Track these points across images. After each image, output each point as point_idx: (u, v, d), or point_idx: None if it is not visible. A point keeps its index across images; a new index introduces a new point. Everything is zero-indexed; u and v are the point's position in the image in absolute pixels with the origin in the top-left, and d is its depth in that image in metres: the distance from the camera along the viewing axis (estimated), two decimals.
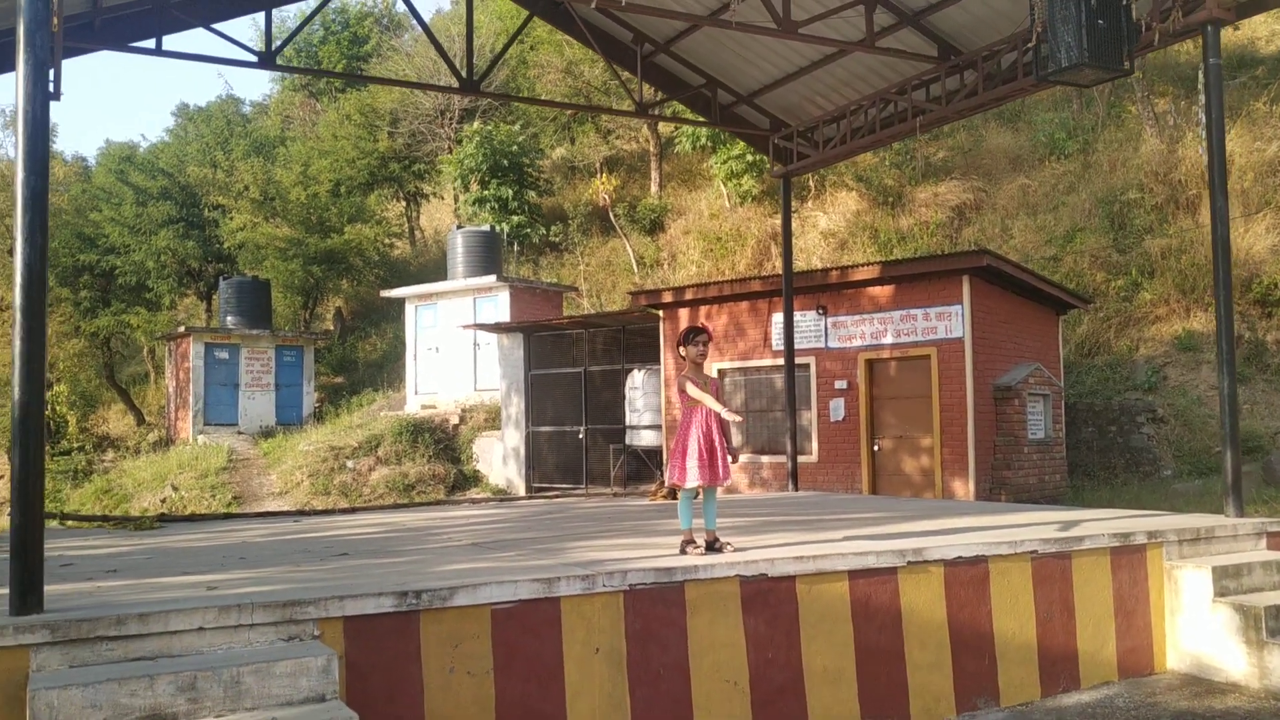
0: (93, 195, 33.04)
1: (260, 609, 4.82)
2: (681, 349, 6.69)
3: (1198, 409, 18.20)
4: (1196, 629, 7.40)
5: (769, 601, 6.12)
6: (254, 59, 11.05)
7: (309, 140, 37.08)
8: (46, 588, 4.83)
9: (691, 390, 6.51)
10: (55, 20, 7.98)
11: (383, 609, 5.07)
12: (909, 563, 6.57)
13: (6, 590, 4.70)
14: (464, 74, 11.92)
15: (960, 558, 6.78)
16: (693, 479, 6.41)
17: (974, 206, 24.97)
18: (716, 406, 6.41)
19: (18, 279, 4.72)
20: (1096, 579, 7.34)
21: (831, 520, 8.90)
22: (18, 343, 4.73)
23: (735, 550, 6.47)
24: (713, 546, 6.49)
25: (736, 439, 17.80)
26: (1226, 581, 7.38)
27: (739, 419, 6.47)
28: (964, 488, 15.21)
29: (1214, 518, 8.46)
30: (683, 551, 6.45)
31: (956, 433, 15.31)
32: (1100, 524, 7.99)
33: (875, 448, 16.23)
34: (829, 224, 26.23)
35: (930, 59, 11.12)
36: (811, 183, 26.88)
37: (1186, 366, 19.19)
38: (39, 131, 4.84)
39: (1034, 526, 7.88)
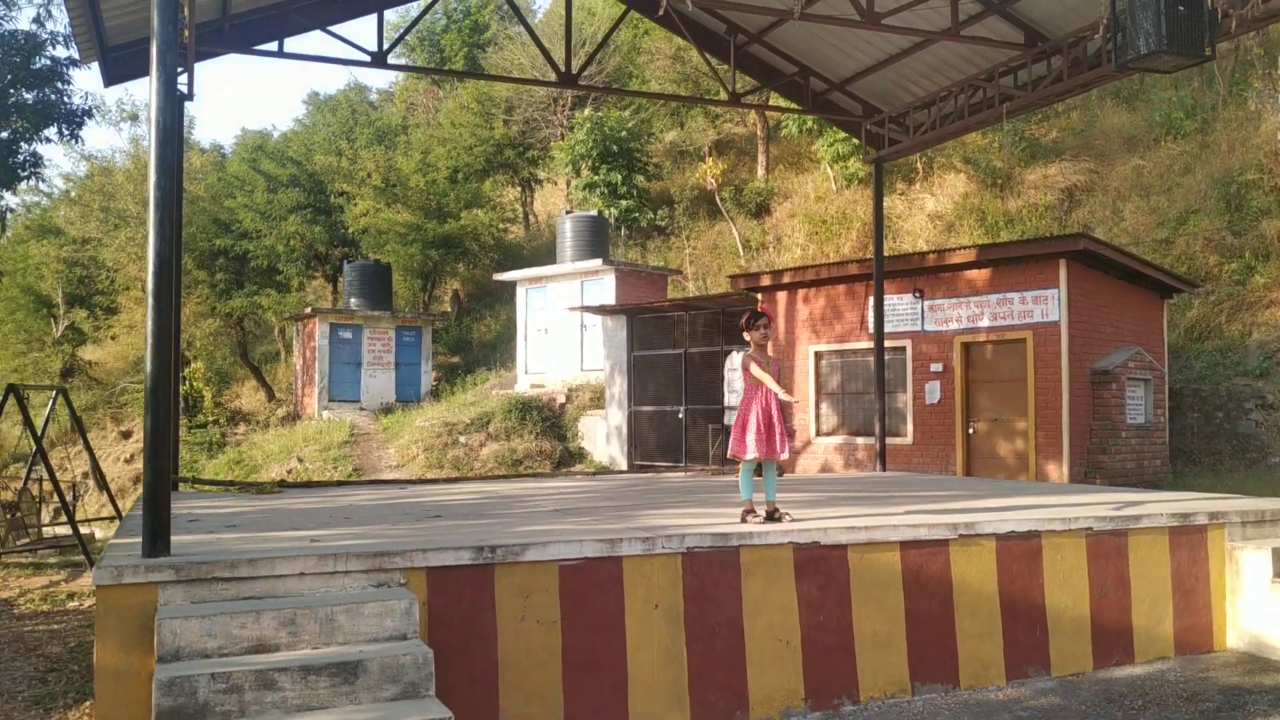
0: (228, 183, 34.88)
1: (353, 558, 5.48)
2: (745, 333, 7.12)
3: None
4: (1256, 609, 7.53)
5: (821, 568, 6.53)
6: (368, 59, 11.82)
7: (430, 128, 38.38)
8: (175, 538, 5.59)
9: (754, 370, 6.94)
10: (186, 32, 8.80)
11: (461, 561, 5.68)
12: (960, 535, 6.90)
13: (140, 538, 5.47)
14: (563, 68, 12.49)
15: (1013, 532, 7.07)
16: (751, 452, 6.85)
17: (1085, 188, 24.52)
18: (775, 387, 6.83)
19: (150, 266, 5.46)
20: (1154, 557, 7.52)
21: (903, 497, 9.22)
22: (149, 322, 5.47)
23: (793, 521, 6.90)
24: (772, 516, 6.93)
25: (831, 422, 18.11)
26: None
27: (795, 400, 6.89)
28: (1058, 471, 15.22)
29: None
30: (743, 520, 6.91)
31: (1051, 416, 15.31)
32: (1162, 505, 8.14)
33: (970, 430, 16.32)
34: (936, 206, 26.10)
35: (1017, 46, 11.23)
36: (920, 164, 26.76)
37: None
38: (169, 138, 5.57)
39: (1097, 505, 8.07)
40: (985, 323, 16.11)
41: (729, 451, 7.04)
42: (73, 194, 32.03)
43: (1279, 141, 21.34)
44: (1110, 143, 25.38)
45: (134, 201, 29.71)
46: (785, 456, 6.92)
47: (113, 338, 35.14)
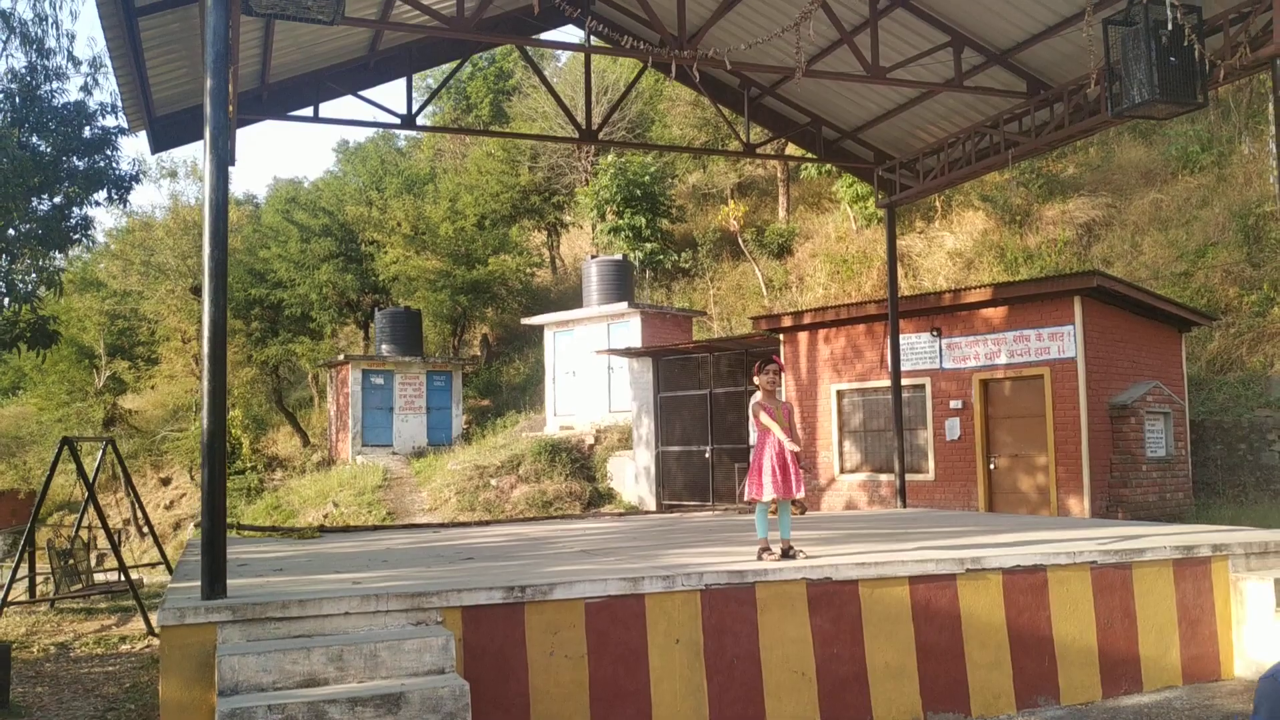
0: (262, 234, 35.79)
1: (394, 598, 5.90)
2: (755, 378, 7.53)
3: None
4: (1260, 638, 7.79)
5: (833, 602, 6.89)
6: (398, 121, 12.43)
7: (457, 174, 39.22)
8: (228, 581, 6.04)
9: (763, 419, 7.35)
10: (231, 109, 9.38)
11: (493, 600, 6.09)
12: (968, 570, 7.23)
13: (198, 582, 5.92)
14: (583, 124, 13.04)
15: (1018, 566, 7.39)
16: (768, 494, 7.24)
17: (1104, 223, 24.82)
18: (782, 437, 7.23)
19: (205, 332, 5.96)
20: (1159, 589, 7.81)
21: (917, 533, 9.55)
22: (205, 382, 5.96)
23: (808, 558, 7.26)
24: (787, 554, 7.30)
25: (854, 459, 18.41)
26: None
27: (798, 449, 7.26)
28: (1079, 505, 15.45)
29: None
30: (759, 558, 7.28)
31: (1071, 451, 15.56)
32: (1166, 538, 8.43)
33: (991, 466, 16.58)
34: (956, 244, 26.45)
35: (1019, 94, 11.66)
36: (939, 203, 27.16)
37: None
38: (220, 214, 6.08)
39: (1103, 540, 8.38)
40: (1003, 360, 16.42)
41: (746, 495, 7.43)
42: (113, 248, 32.99)
43: None
44: (1128, 177, 25.69)
45: (173, 255, 30.61)
46: (801, 495, 7.30)
47: (152, 387, 35.98)
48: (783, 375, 7.54)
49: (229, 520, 21.40)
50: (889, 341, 17.55)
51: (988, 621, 7.27)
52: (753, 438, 20.76)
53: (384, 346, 30.87)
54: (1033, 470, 16.12)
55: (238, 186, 78.07)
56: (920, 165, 13.90)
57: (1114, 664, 7.60)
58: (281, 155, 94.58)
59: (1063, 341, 15.71)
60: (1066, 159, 27.14)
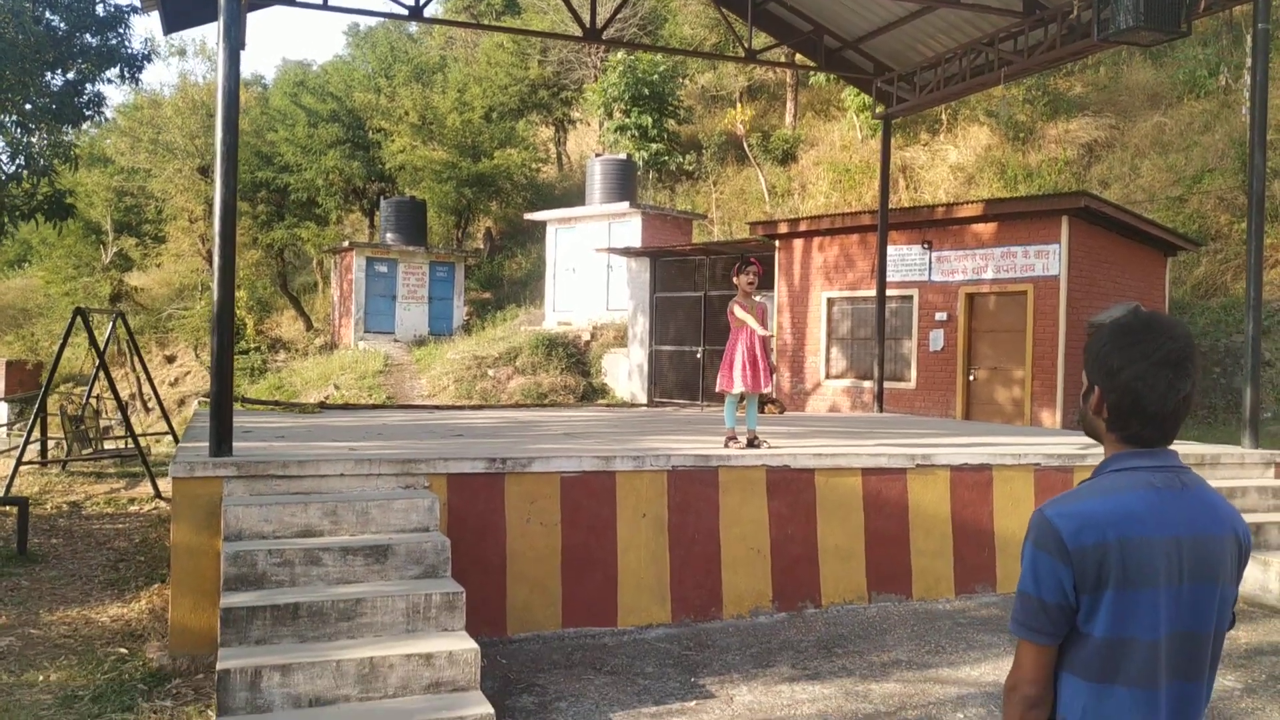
0: (270, 117, 35.81)
1: (385, 463, 6.48)
2: (735, 277, 8.00)
3: None
4: None
5: (790, 488, 7.48)
6: (405, 12, 12.63)
7: (467, 64, 39.03)
8: (234, 443, 6.61)
9: (738, 312, 7.83)
10: None
11: (476, 470, 6.67)
12: (918, 465, 7.81)
13: (206, 443, 6.49)
14: (588, 24, 13.24)
15: (966, 464, 7.97)
16: (737, 386, 7.78)
17: (1105, 144, 24.95)
18: (755, 324, 7.71)
19: (217, 211, 6.42)
20: None
21: (883, 433, 10.12)
22: (216, 258, 6.44)
23: (770, 447, 7.83)
24: (752, 443, 7.86)
25: (840, 365, 18.97)
26: None
27: (771, 334, 7.74)
28: (1051, 418, 16.04)
29: (1225, 448, 9.32)
30: (725, 445, 7.84)
31: (1047, 366, 16.09)
32: None
33: (971, 377, 17.14)
34: (959, 158, 26.61)
35: (1014, 13, 11.86)
36: (944, 116, 27.22)
37: None
38: (232, 101, 6.48)
39: (1049, 445, 8.95)
40: (989, 275, 16.84)
41: (717, 387, 7.96)
42: (121, 124, 33.08)
43: None
44: (1134, 98, 25.72)
45: (181, 134, 30.73)
46: (768, 390, 7.83)
47: (158, 266, 36.45)
48: (759, 276, 7.99)
49: (234, 394, 22.10)
50: (878, 251, 17.97)
51: (934, 514, 7.87)
52: None
53: (389, 235, 31.24)
54: (1010, 383, 16.67)
55: (245, 68, 77.31)
56: (918, 79, 14.13)
57: None
58: (291, 37, 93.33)
59: (1048, 259, 16.11)
60: (1075, 77, 27.11)
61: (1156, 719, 2.07)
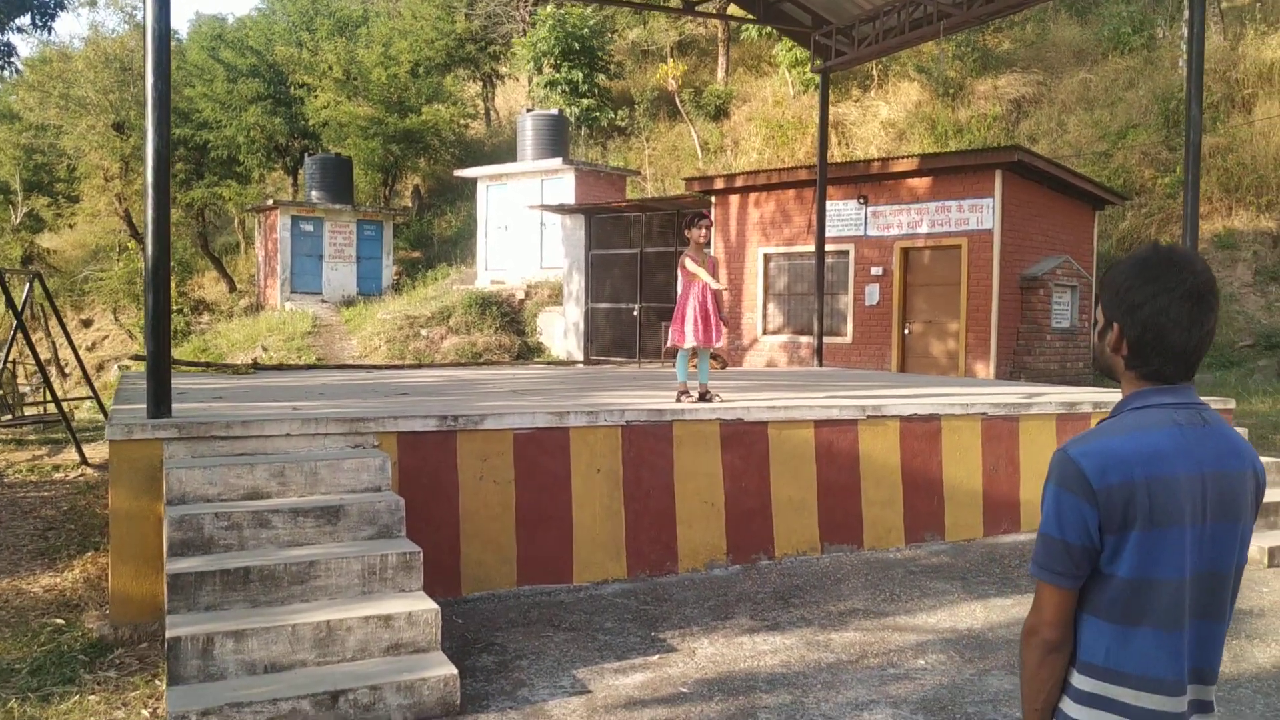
0: (187, 72, 34.60)
1: (333, 422, 6.28)
2: (687, 231, 7.89)
3: (1227, 305, 18.85)
4: None
5: (744, 441, 7.44)
6: None
7: (391, 19, 38.08)
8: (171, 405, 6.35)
9: (689, 265, 7.73)
10: None
11: (428, 428, 6.50)
12: (868, 416, 7.82)
13: (143, 405, 6.22)
14: None
15: (915, 415, 8.01)
16: (689, 340, 7.69)
17: (1033, 100, 25.25)
18: (707, 278, 7.63)
19: (149, 161, 6.11)
20: (1041, 440, 8.52)
21: (828, 385, 10.15)
22: (149, 211, 6.14)
23: (722, 401, 7.78)
24: (704, 397, 7.80)
25: (777, 321, 19.02)
26: None
27: (724, 287, 7.66)
28: (985, 370, 16.28)
29: None
30: (677, 400, 7.77)
31: (981, 319, 16.30)
32: (1052, 395, 9.12)
33: (906, 331, 17.30)
34: (889, 113, 26.73)
35: None
36: (875, 72, 27.30)
37: (1223, 264, 19.75)
38: (162, 45, 6.16)
39: (996, 395, 9.04)
40: (924, 229, 16.96)
41: (669, 341, 7.86)
42: (30, 78, 31.70)
43: (1219, 59, 22.11)
44: (1060, 55, 26.06)
45: (94, 89, 29.54)
46: (720, 344, 7.76)
47: (71, 226, 35.17)
48: (712, 230, 7.90)
49: None
50: (816, 206, 17.99)
51: (884, 464, 7.90)
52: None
53: (314, 193, 30.48)
54: (944, 336, 16.87)
55: None
56: (856, 32, 14.07)
57: (996, 506, 8.34)
58: None
59: (981, 213, 16.27)
60: (1003, 34, 27.36)
61: (1180, 660, 2.03)
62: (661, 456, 7.20)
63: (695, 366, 8.00)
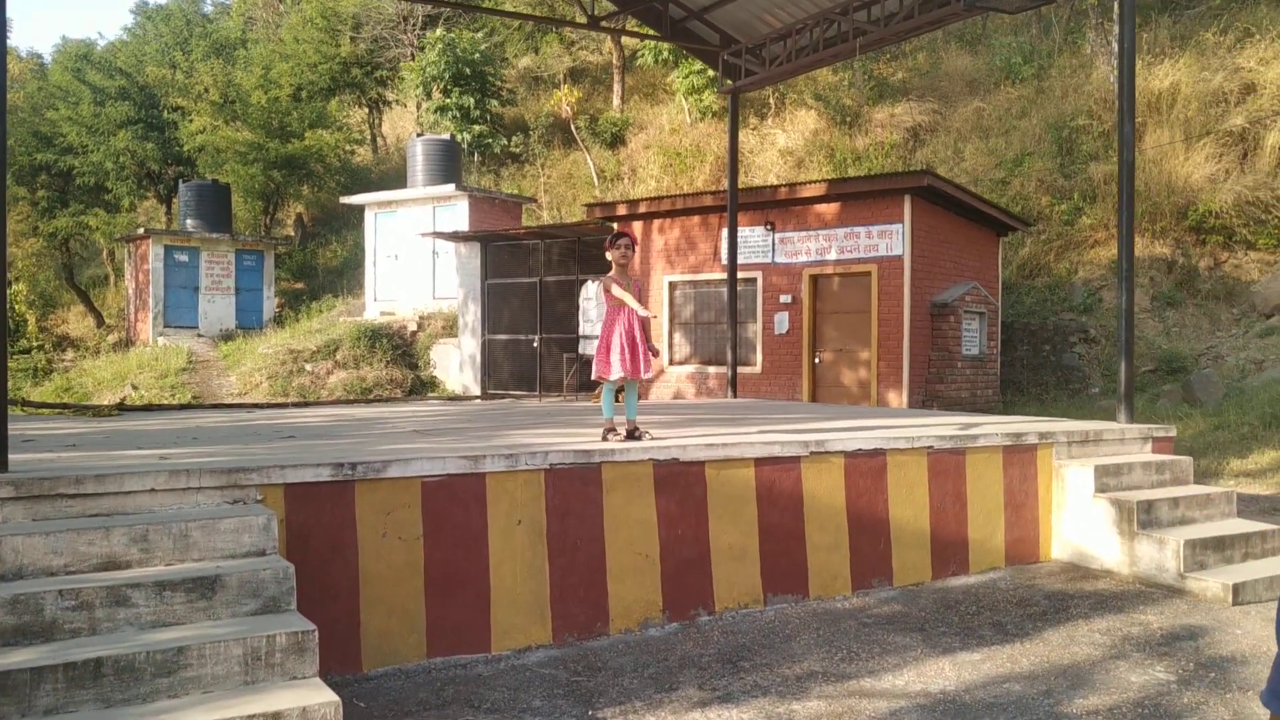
0: (49, 93, 32.63)
1: (207, 474, 5.31)
2: (608, 252, 7.15)
3: None
4: (1078, 522, 8.10)
5: (680, 484, 6.69)
6: None
7: (271, 43, 36.63)
8: (12, 457, 5.30)
9: (615, 291, 6.98)
10: None
11: (321, 478, 5.58)
12: (812, 453, 7.16)
13: None
14: None
15: (860, 450, 7.38)
16: (615, 372, 6.92)
17: (929, 128, 25.36)
18: (634, 304, 6.89)
19: None
20: (988, 474, 7.99)
21: (756, 419, 9.49)
22: None
23: (653, 439, 7.03)
24: (632, 435, 7.04)
25: (684, 351, 18.40)
26: (1107, 479, 8.05)
27: (653, 315, 6.94)
28: (898, 398, 15.91)
29: (1105, 423, 9.13)
30: (604, 438, 6.99)
31: (893, 347, 15.95)
32: (997, 426, 8.63)
33: (816, 360, 16.86)
34: (787, 142, 26.55)
35: None
36: (772, 100, 27.13)
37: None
38: None
39: (938, 426, 8.50)
40: (833, 256, 16.58)
41: (594, 373, 7.09)
42: None
43: (1108, 89, 22.48)
44: (954, 84, 26.27)
45: None
46: (650, 375, 7.02)
47: None
48: (634, 250, 7.17)
49: (12, 397, 19.65)
50: (724, 233, 17.47)
51: (829, 504, 7.25)
52: (585, 327, 20.45)
53: (189, 222, 28.87)
54: (855, 365, 16.47)
55: (20, 41, 70.77)
56: (766, 52, 13.61)
57: (944, 546, 7.76)
58: (72, 16, 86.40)
59: (891, 239, 15.95)
60: (897, 63, 27.51)
61: None
62: (590, 503, 6.40)
63: (621, 400, 7.24)
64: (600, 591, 6.41)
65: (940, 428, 8.38)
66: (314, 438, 7.45)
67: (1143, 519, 7.70)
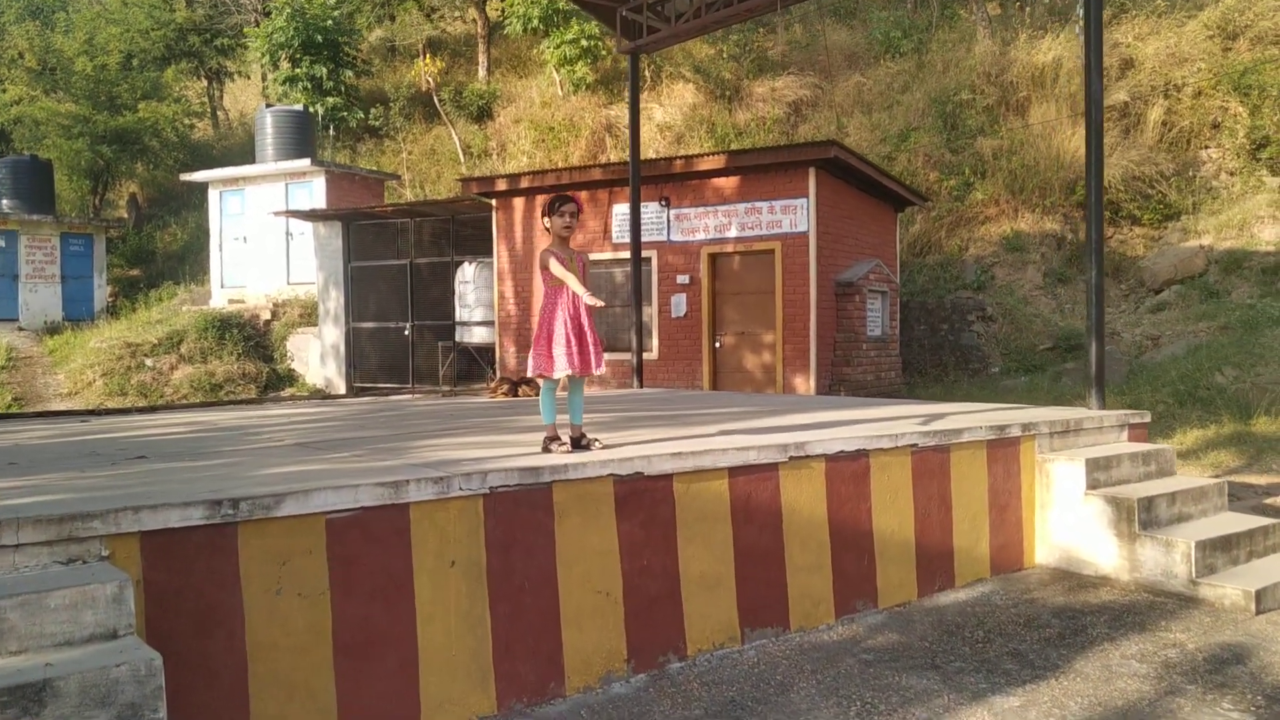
0: None
1: (29, 525, 3.79)
2: (545, 220, 5.83)
3: (1024, 308, 18.60)
4: (1067, 523, 7.22)
5: (644, 503, 5.46)
6: None
7: (96, 6, 33.45)
8: None
9: (554, 269, 5.68)
10: None
11: (190, 521, 4.12)
12: (791, 458, 6.03)
13: None
14: None
15: (842, 452, 6.29)
16: (561, 368, 5.62)
17: (810, 103, 24.67)
18: (579, 289, 5.58)
19: None
20: (973, 473, 7.03)
21: (693, 415, 8.33)
22: None
23: (604, 447, 5.77)
24: (579, 443, 5.76)
25: None
26: (1098, 474, 7.20)
27: (600, 304, 5.64)
28: (805, 384, 15.02)
29: (1081, 410, 8.30)
30: (546, 449, 5.70)
31: (799, 329, 15.04)
32: (979, 416, 7.69)
33: (717, 344, 15.84)
34: (665, 116, 25.47)
35: None
36: (648, 73, 25.98)
37: (1013, 266, 19.57)
38: None
39: (912, 419, 7.50)
40: (733, 233, 15.57)
41: (533, 369, 5.75)
42: None
43: (990, 63, 22.18)
44: (833, 59, 25.66)
45: None
46: (601, 371, 5.74)
47: None
48: (578, 218, 5.85)
49: None
50: (616, 210, 16.25)
51: (809, 517, 6.14)
52: (462, 313, 18.96)
53: (5, 202, 25.89)
54: (759, 348, 15.52)
55: None
56: (670, 7, 12.41)
57: (930, 558, 6.76)
58: None
59: (795, 215, 15.03)
60: (775, 36, 26.74)
61: None
62: (539, 533, 5.10)
63: (566, 399, 5.95)
64: (553, 643, 5.12)
65: (913, 421, 7.37)
66: (171, 458, 5.90)
67: (1144, 518, 6.86)
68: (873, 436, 6.48)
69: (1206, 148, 20.40)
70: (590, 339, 5.70)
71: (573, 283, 5.66)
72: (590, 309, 5.77)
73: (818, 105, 24.54)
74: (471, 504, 4.88)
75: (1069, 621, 6.20)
